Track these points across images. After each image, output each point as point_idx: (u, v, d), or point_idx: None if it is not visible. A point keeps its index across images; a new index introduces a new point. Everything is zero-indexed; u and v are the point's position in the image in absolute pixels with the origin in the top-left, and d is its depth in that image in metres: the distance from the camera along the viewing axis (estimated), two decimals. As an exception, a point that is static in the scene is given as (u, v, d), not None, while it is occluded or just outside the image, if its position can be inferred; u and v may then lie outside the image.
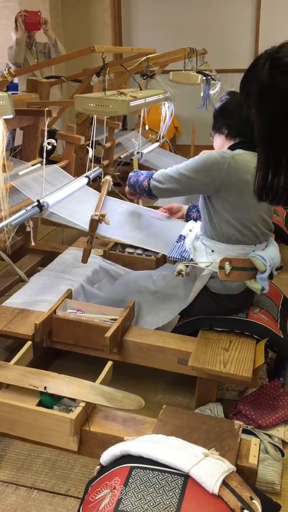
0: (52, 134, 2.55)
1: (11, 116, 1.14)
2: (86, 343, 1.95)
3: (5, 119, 2.09)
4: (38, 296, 2.16)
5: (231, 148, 1.93)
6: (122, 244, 2.76)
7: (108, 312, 2.02)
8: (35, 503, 1.59)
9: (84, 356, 2.03)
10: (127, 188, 2.15)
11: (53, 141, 1.90)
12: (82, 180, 2.38)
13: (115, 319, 1.94)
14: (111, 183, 2.34)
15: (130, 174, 2.11)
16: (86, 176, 2.42)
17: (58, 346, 2.01)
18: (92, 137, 2.26)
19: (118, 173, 3.37)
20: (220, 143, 1.99)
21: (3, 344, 2.26)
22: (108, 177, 2.34)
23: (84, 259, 2.03)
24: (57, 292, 2.15)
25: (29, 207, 1.99)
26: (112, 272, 2.55)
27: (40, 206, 1.97)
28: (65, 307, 2.05)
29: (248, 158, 1.82)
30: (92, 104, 1.74)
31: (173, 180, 1.90)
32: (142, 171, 2.08)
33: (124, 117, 3.83)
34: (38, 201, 1.99)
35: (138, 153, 3.23)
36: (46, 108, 1.71)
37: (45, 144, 1.75)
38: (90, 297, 2.27)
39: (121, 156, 3.24)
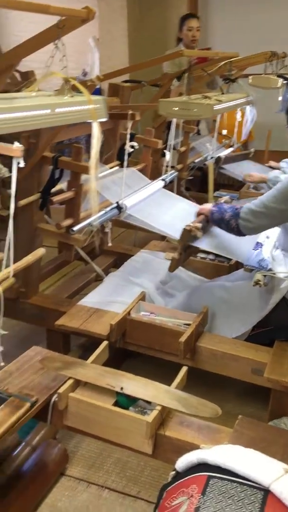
0: (131, 137, 2.60)
1: (105, 119, 1.16)
2: (158, 346, 1.95)
3: (87, 123, 2.15)
4: (112, 297, 2.19)
5: None
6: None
7: (181, 317, 2.01)
8: (106, 502, 1.61)
9: (155, 358, 2.03)
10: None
11: (136, 144, 1.93)
12: (159, 183, 2.39)
13: (189, 324, 1.93)
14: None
15: (212, 209, 2.03)
16: (162, 179, 2.44)
17: (131, 348, 2.03)
18: (171, 141, 2.26)
19: (192, 177, 3.36)
20: None
21: (76, 342, 2.31)
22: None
23: (171, 269, 2.01)
24: (130, 294, 2.17)
25: (108, 209, 2.02)
26: (184, 277, 2.54)
27: (119, 207, 2.00)
28: (138, 309, 2.06)
29: None
30: (176, 108, 1.74)
31: (263, 216, 1.82)
32: (224, 206, 1.99)
33: (198, 121, 3.81)
34: (117, 202, 2.02)
35: (212, 158, 3.20)
36: (130, 112, 1.73)
37: (127, 146, 1.78)
38: (162, 301, 2.27)
39: (196, 161, 3.23)
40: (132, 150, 1.89)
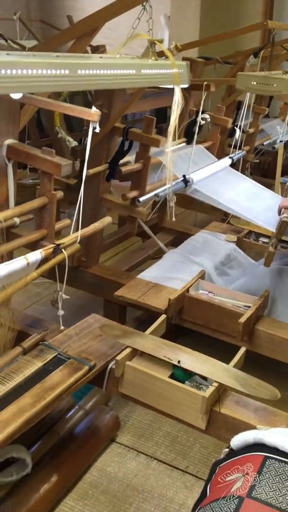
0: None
1: (187, 85, 1.14)
2: (215, 326, 1.93)
3: (160, 97, 2.12)
4: (171, 273, 2.18)
5: None
6: (256, 233, 2.68)
7: (241, 299, 1.97)
8: (155, 473, 1.62)
9: (208, 339, 2.01)
10: None
11: (207, 116, 1.89)
12: (226, 161, 2.34)
13: (249, 307, 1.89)
14: None
15: None
16: (230, 157, 2.38)
17: (187, 325, 2.01)
18: (241, 120, 2.20)
19: (257, 161, 3.27)
20: None
21: (131, 316, 2.33)
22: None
23: (267, 263, 1.94)
24: (189, 272, 2.15)
25: (175, 182, 2.01)
26: (243, 261, 2.49)
27: (185, 181, 1.98)
28: (197, 287, 2.04)
29: None
30: (254, 83, 1.68)
31: None
32: None
33: (268, 104, 3.69)
34: (184, 176, 2.00)
35: (281, 141, 3.10)
36: (205, 82, 1.69)
37: (199, 118, 1.74)
38: (221, 281, 2.24)
39: (264, 143, 3.13)
40: (202, 123, 1.85)
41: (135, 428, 1.80)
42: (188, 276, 2.09)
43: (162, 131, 2.59)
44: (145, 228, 2.31)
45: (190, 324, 2.01)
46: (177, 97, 1.10)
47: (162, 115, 2.80)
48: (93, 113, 1.30)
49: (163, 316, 1.77)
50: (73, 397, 1.80)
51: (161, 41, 1.09)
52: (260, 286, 2.02)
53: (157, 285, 2.09)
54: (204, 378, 1.52)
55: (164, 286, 2.08)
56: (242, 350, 1.62)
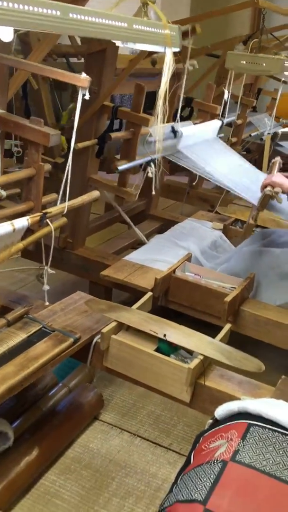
0: (189, 101, 2.55)
1: (178, 49, 1.13)
2: (201, 307, 1.93)
3: (147, 82, 2.11)
4: (158, 256, 2.18)
5: None
6: (242, 221, 2.69)
7: (227, 280, 1.98)
8: (138, 449, 1.61)
9: (195, 321, 2.00)
10: None
11: (195, 62, 1.89)
12: (215, 122, 2.35)
13: (234, 288, 1.89)
14: (281, 164, 2.23)
15: None
16: (219, 119, 2.39)
17: (173, 306, 2.01)
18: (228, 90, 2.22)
19: (244, 152, 3.28)
20: None
21: (118, 299, 2.31)
22: (278, 158, 2.26)
23: (247, 234, 1.97)
24: (175, 255, 2.15)
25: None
26: (228, 248, 2.50)
27: (174, 131, 1.98)
28: (184, 269, 2.04)
29: None
30: (244, 62, 1.69)
31: None
32: None
33: (256, 98, 3.71)
34: (172, 127, 2.01)
35: (269, 133, 3.12)
36: (189, 26, 1.69)
37: (186, 65, 1.74)
38: (208, 264, 2.24)
39: (252, 134, 3.16)
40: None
41: (119, 407, 1.78)
42: (174, 259, 2.09)
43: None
44: (125, 217, 2.30)
45: (176, 305, 2.00)
46: (169, 59, 1.10)
47: (152, 101, 2.79)
48: (83, 78, 1.29)
49: (149, 294, 1.76)
50: (58, 376, 1.78)
51: (153, 2, 1.09)
52: (245, 268, 2.02)
53: (144, 266, 2.08)
54: (190, 353, 1.52)
55: (150, 267, 2.07)
56: (227, 326, 1.63)
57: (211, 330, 1.66)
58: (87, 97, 1.32)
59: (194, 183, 2.97)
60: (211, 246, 2.43)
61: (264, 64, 1.66)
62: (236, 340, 1.87)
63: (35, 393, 1.68)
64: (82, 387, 1.75)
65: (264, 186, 1.92)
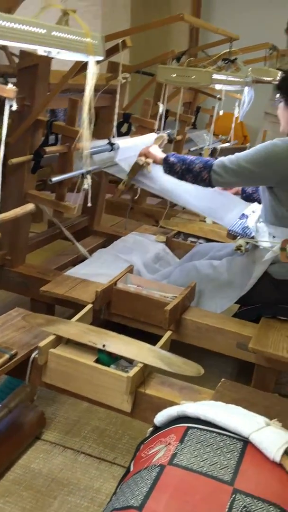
0: (127, 117, 2.59)
1: (101, 58, 1.15)
2: (144, 318, 1.92)
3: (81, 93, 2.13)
4: (100, 270, 2.17)
5: None
6: (184, 233, 2.73)
7: (168, 290, 1.99)
8: (81, 466, 1.56)
9: (140, 335, 2.00)
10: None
11: (127, 75, 1.95)
12: (151, 135, 2.40)
13: (176, 297, 1.90)
14: (166, 141, 2.34)
15: (170, 158, 1.94)
16: (156, 132, 2.45)
17: (115, 319, 1.99)
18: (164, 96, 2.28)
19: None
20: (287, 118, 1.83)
21: (61, 316, 2.27)
22: (164, 134, 2.35)
23: (116, 196, 2.20)
24: (118, 268, 2.15)
25: (99, 143, 2.09)
26: (171, 260, 2.53)
27: (111, 143, 2.04)
28: (126, 281, 2.03)
29: None
30: (174, 75, 1.74)
31: (233, 174, 1.79)
32: (187, 156, 1.93)
33: (196, 116, 3.83)
34: (109, 139, 2.04)
35: (208, 148, 3.21)
36: (121, 40, 1.74)
37: (119, 78, 1.78)
38: (151, 276, 2.24)
39: (191, 149, 3.24)
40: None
41: (62, 424, 1.73)
42: (116, 272, 2.08)
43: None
44: (65, 231, 2.29)
45: (119, 317, 1.99)
46: (91, 67, 1.11)
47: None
48: (9, 89, 1.28)
49: (89, 306, 1.74)
50: (-1, 399, 1.72)
51: (74, 11, 1.11)
52: (186, 283, 2.03)
53: (85, 280, 2.06)
54: (130, 362, 1.51)
55: (92, 281, 2.05)
56: (168, 334, 1.63)
57: (156, 341, 1.65)
58: (14, 107, 1.31)
59: (136, 198, 3.00)
60: (154, 259, 2.44)
61: (193, 77, 1.72)
62: (180, 350, 1.89)
63: (-27, 416, 1.61)
64: (23, 406, 1.69)
65: (140, 155, 2.07)
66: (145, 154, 2.07)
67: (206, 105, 4.06)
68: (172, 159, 1.94)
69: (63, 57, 1.22)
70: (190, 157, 1.93)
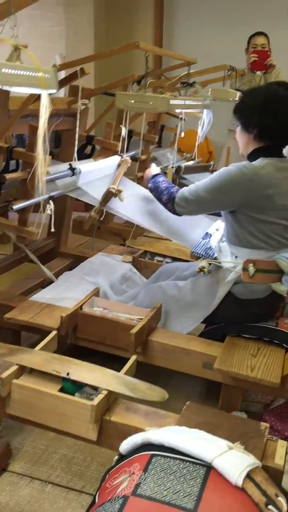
0: (90, 139, 2.61)
1: (55, 91, 1.16)
2: (110, 341, 1.92)
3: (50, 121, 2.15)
4: (66, 293, 2.16)
5: (255, 153, 1.84)
6: (151, 252, 2.75)
7: (134, 312, 1.99)
8: (49, 496, 1.54)
9: (108, 359, 1.99)
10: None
11: (87, 101, 1.99)
12: (114, 158, 2.42)
13: (141, 319, 1.91)
14: (129, 164, 2.43)
15: (149, 184, 2.15)
16: (119, 155, 2.47)
17: (82, 343, 1.98)
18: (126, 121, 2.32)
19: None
20: (245, 143, 1.88)
21: (28, 342, 2.25)
22: (128, 158, 2.43)
23: (87, 225, 2.21)
24: (84, 291, 2.14)
25: (60, 169, 2.10)
26: (138, 281, 2.54)
27: (72, 168, 2.05)
28: (91, 304, 2.03)
29: (271, 170, 1.76)
30: (132, 101, 1.77)
31: (194, 204, 1.89)
32: (161, 185, 2.07)
33: (160, 135, 3.88)
34: (70, 164, 2.06)
35: (172, 167, 3.25)
36: (79, 67, 1.78)
37: (79, 104, 1.81)
38: (117, 298, 2.25)
39: (155, 169, 3.26)
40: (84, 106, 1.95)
41: (29, 454, 1.71)
42: (83, 295, 2.07)
43: (54, 156, 2.62)
44: (30, 255, 2.28)
45: (86, 342, 1.98)
46: (44, 101, 1.12)
47: (55, 140, 2.83)
48: None
49: (54, 332, 1.73)
50: None
51: (25, 46, 1.12)
52: (152, 304, 2.04)
53: (51, 305, 2.05)
54: (95, 389, 1.50)
55: (57, 306, 2.04)
56: (133, 358, 1.63)
57: (125, 364, 1.64)
58: None
59: (102, 218, 3.00)
60: (121, 280, 2.45)
61: (151, 103, 1.75)
62: (149, 369, 1.89)
63: None
64: (-12, 437, 1.66)
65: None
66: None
67: (170, 124, 4.11)
68: (149, 185, 2.14)
69: (17, 91, 1.22)
70: (162, 186, 2.06)
